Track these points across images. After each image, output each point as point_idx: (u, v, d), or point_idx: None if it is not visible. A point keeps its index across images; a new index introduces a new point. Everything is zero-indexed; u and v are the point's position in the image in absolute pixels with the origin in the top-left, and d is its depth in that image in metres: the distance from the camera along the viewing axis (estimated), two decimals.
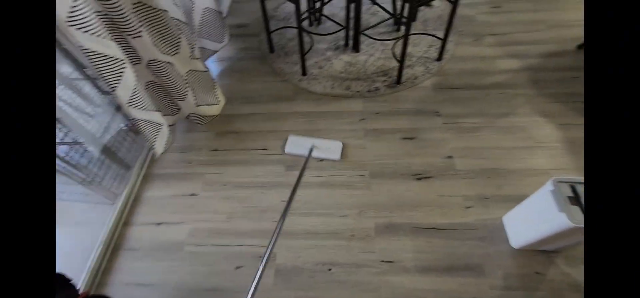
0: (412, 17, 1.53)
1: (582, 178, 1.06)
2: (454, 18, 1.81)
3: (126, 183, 1.56)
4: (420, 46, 2.14)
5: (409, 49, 2.13)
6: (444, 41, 1.95)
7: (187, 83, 1.53)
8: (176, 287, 1.27)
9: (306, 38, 2.26)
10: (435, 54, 2.05)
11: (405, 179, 1.49)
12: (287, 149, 1.64)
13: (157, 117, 1.51)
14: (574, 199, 1.03)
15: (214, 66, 2.20)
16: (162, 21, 1.30)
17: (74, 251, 1.37)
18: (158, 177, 1.62)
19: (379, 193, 1.46)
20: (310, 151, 1.57)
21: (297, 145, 1.65)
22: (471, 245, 1.28)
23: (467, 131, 1.65)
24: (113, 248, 1.39)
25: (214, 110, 1.73)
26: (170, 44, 1.39)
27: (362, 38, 2.18)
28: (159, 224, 1.45)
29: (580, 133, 1.57)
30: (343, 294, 1.20)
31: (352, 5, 1.91)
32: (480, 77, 1.92)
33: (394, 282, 1.21)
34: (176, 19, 1.47)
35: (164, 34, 1.34)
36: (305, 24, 2.38)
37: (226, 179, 1.57)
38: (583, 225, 0.97)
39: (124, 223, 1.46)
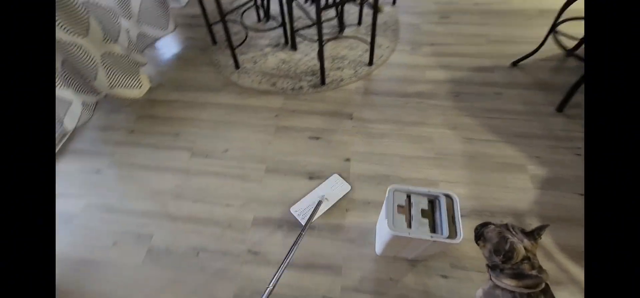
0: (319, 20, 1.56)
1: (419, 188, 1.09)
2: (376, 24, 1.83)
3: None
4: (357, 50, 2.16)
5: (344, 52, 2.16)
6: (371, 46, 1.98)
7: (100, 65, 1.60)
8: (66, 256, 1.34)
9: (245, 32, 2.32)
10: (367, 59, 2.07)
11: (298, 177, 1.53)
12: (304, 221, 1.38)
13: (68, 94, 1.59)
14: (403, 208, 1.06)
15: (157, 52, 2.27)
16: (66, 4, 1.36)
17: None
18: (72, 151, 1.70)
19: (268, 187, 1.50)
20: (318, 205, 1.37)
21: (304, 210, 1.42)
22: (339, 246, 1.32)
23: (374, 136, 1.68)
24: None
25: (134, 93, 1.80)
26: (77, 25, 1.45)
27: (304, 38, 2.22)
28: (62, 195, 1.53)
29: (483, 148, 1.58)
30: (200, 278, 1.25)
31: (285, 3, 1.95)
32: (405, 85, 1.94)
33: (252, 272, 1.26)
34: (92, 2, 1.54)
35: (69, 16, 1.41)
36: (252, 18, 2.43)
37: (133, 160, 1.64)
38: (406, 235, 1.00)
39: None
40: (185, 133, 1.74)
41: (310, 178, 1.53)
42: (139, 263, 1.30)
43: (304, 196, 1.46)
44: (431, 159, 1.57)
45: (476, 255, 1.24)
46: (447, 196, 1.07)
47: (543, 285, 0.85)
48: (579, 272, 1.19)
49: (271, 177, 1.54)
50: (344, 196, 1.45)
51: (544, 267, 0.87)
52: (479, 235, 1.00)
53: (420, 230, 1.02)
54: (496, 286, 0.91)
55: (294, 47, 2.19)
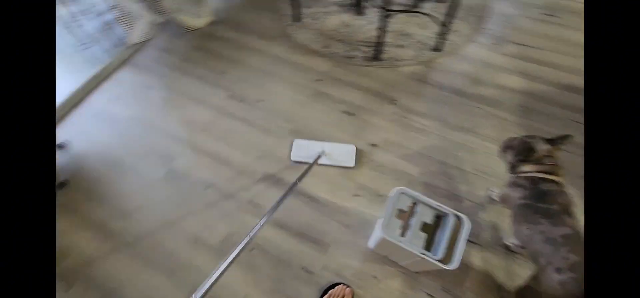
0: None
1: (429, 200, 0.97)
2: (457, 5, 1.60)
3: (108, 59, 1.85)
4: (427, 30, 1.94)
5: (412, 30, 1.96)
6: (444, 30, 1.75)
7: None
8: (104, 151, 1.55)
9: None
10: (435, 43, 1.85)
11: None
12: (293, 157, 1.46)
13: (139, 9, 1.73)
14: (405, 214, 0.96)
15: None
16: None
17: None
18: (133, 64, 1.88)
19: (286, 148, 1.50)
20: (317, 157, 1.38)
21: (303, 150, 1.47)
22: (334, 227, 1.27)
23: (411, 129, 1.54)
24: (72, 105, 1.72)
25: (195, 23, 1.90)
26: None
27: (375, 4, 2.06)
28: (115, 99, 1.73)
29: None
30: (202, 210, 1.33)
31: None
32: (468, 83, 1.70)
33: (248, 221, 1.29)
34: None
35: None
36: None
37: (179, 86, 1.76)
38: (395, 241, 0.91)
39: (89, 90, 1.77)
40: (230, 74, 1.80)
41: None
42: (157, 179, 1.43)
43: (316, 169, 1.42)
44: (464, 173, 1.39)
45: (472, 287, 1.10)
46: (458, 217, 0.95)
47: (560, 179, 0.93)
48: None
49: (293, 139, 1.52)
50: (343, 168, 1.42)
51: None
52: (506, 146, 1.10)
53: (413, 242, 0.93)
54: (515, 181, 0.99)
55: (360, 11, 2.05)
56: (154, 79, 1.80)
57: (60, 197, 1.39)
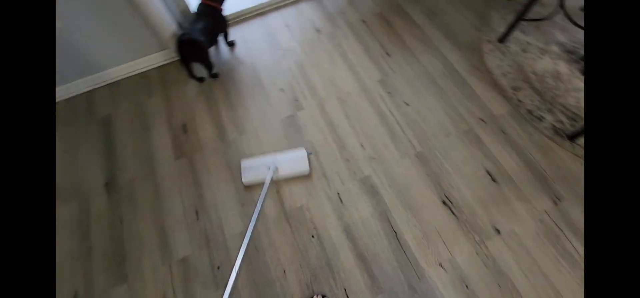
0: None
1: None
2: None
3: None
4: None
5: None
6: None
7: None
8: (254, 66, 1.71)
9: (554, 11, 1.72)
10: None
11: (431, 191, 1.27)
12: (245, 180, 1.31)
13: None
14: None
15: None
16: None
17: None
18: (319, 3, 1.93)
19: (400, 168, 1.33)
20: (273, 172, 1.23)
21: (253, 170, 1.32)
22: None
23: (558, 250, 1.13)
24: (255, 13, 1.92)
25: None
26: None
27: None
28: (285, 27, 1.84)
29: None
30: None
31: None
32: None
33: (323, 209, 1.26)
34: None
35: None
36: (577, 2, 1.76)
37: (343, 44, 1.73)
38: None
39: (274, 6, 1.93)
40: (394, 59, 1.66)
41: (444, 203, 1.24)
42: (279, 117, 1.51)
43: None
44: None
45: None
46: None
47: None
48: None
49: (414, 164, 1.34)
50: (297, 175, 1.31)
51: None
52: None
53: None
54: None
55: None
56: (328, 26, 1.83)
57: (207, 85, 1.64)
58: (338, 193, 1.29)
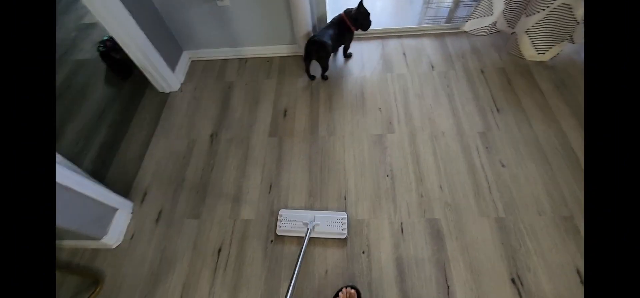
0: None
1: None
2: None
3: (431, 23, 1.99)
4: None
5: None
6: None
7: (543, 10, 1.55)
8: (360, 82, 1.82)
9: None
10: None
11: (503, 282, 1.16)
12: (279, 231, 1.30)
13: (490, 6, 1.71)
14: None
15: None
16: None
17: None
18: (442, 42, 1.93)
19: (469, 225, 1.25)
20: (309, 230, 1.17)
21: (290, 223, 1.31)
22: None
23: None
24: (382, 35, 2.02)
25: (533, 54, 1.70)
26: None
27: None
28: (401, 54, 1.89)
29: None
30: (365, 188, 1.40)
31: None
32: None
33: (381, 236, 1.27)
34: None
35: None
36: None
37: (456, 87, 1.71)
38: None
39: (398, 34, 2.00)
40: (503, 116, 1.55)
41: (513, 282, 1.13)
42: (370, 133, 1.58)
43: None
44: None
45: None
46: None
47: None
48: None
49: (491, 227, 1.25)
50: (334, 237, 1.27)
51: None
52: None
53: None
54: None
55: None
56: (443, 64, 1.82)
57: (315, 83, 1.81)
58: (401, 223, 1.29)
